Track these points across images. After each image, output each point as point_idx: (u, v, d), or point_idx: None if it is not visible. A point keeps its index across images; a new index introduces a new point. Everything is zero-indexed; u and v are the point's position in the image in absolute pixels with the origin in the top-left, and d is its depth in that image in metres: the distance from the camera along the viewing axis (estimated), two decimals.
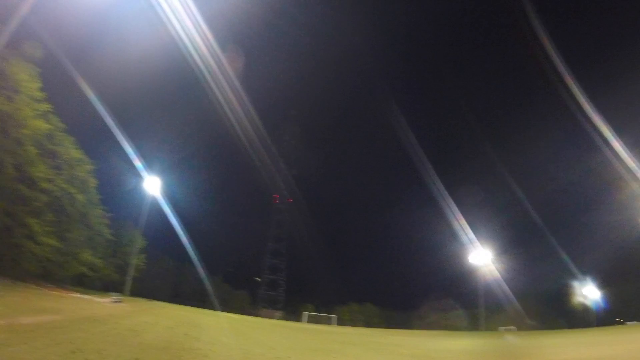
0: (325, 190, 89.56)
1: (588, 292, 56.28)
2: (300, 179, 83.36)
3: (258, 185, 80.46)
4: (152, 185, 46.29)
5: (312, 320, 58.91)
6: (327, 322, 58.77)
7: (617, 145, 34.88)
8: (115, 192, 46.95)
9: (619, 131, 34.90)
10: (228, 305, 59.24)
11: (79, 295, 27.85)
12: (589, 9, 76.20)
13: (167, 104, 67.63)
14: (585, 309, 56.01)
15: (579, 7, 78.14)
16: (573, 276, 55.35)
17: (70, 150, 32.60)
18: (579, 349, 18.94)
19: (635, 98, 46.41)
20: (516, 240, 61.34)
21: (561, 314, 56.85)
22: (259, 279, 74.31)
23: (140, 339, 11.55)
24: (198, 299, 59.05)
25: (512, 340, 30.95)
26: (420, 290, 64.73)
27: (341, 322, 60.96)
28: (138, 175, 44.80)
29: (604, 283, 55.33)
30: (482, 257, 53.53)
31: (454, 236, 53.38)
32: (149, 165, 45.13)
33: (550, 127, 69.08)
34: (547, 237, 55.34)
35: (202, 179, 79.75)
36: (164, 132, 66.08)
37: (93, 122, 35.03)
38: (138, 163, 42.00)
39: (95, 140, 40.26)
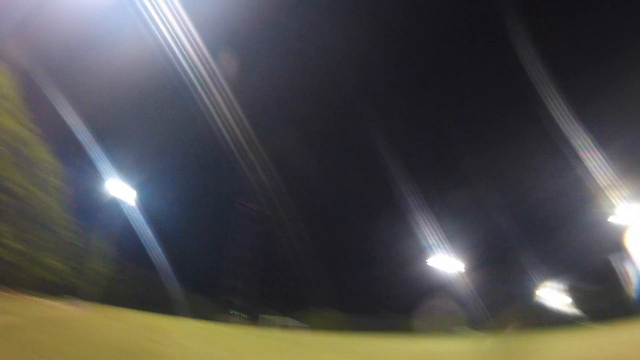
0: (302, 199, 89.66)
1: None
2: (278, 188, 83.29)
3: (227, 191, 79.66)
4: (125, 195, 45.76)
5: (276, 325, 59.47)
6: (293, 327, 59.12)
7: (597, 157, 34.69)
8: (87, 200, 45.84)
9: (599, 143, 34.89)
10: (194, 312, 58.51)
11: (40, 298, 27.20)
12: (572, 17, 78.85)
13: (148, 111, 66.13)
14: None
15: (561, 16, 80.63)
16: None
17: (37, 150, 31.78)
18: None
19: (618, 109, 46.59)
20: (494, 252, 62.26)
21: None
22: (230, 298, 74.01)
23: (100, 340, 11.68)
24: (165, 306, 58.08)
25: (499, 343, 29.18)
26: (396, 300, 65.36)
27: (308, 328, 61.24)
28: (112, 184, 44.11)
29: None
30: (454, 267, 54.10)
31: (429, 246, 53.83)
32: (126, 175, 44.57)
33: (530, 139, 70.49)
34: (525, 251, 56.19)
35: (179, 189, 78.50)
36: (143, 142, 64.64)
37: (69, 129, 34.05)
38: (113, 172, 41.46)
39: (70, 148, 38.98)
